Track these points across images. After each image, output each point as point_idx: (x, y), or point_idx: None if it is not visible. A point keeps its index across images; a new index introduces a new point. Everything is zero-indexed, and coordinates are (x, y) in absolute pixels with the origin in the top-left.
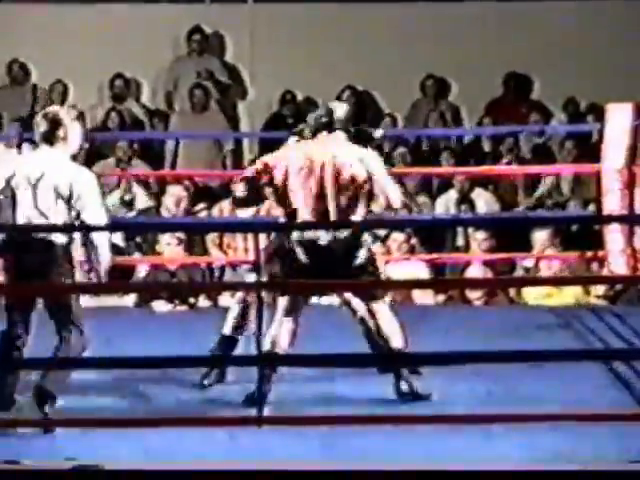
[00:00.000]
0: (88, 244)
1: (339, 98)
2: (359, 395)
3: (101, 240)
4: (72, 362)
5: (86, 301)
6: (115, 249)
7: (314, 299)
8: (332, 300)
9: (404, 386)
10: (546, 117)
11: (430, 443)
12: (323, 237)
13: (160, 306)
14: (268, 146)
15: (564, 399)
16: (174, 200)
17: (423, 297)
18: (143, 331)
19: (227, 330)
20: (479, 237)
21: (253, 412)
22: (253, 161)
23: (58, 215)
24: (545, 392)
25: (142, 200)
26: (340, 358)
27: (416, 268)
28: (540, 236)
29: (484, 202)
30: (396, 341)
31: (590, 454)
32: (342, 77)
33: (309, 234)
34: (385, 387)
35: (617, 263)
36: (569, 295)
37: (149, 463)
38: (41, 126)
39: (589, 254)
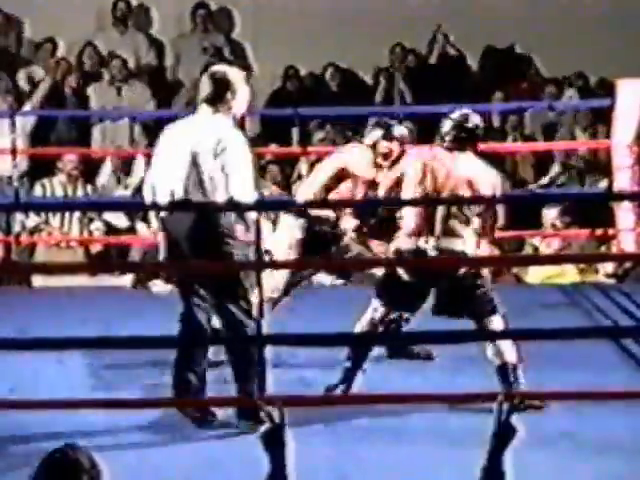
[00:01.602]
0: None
1: (322, 75)
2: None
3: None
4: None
5: (81, 281)
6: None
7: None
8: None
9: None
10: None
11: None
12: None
13: (158, 286)
14: (270, 123)
15: (573, 378)
16: None
17: None
18: (140, 312)
19: None
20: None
21: None
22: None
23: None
24: (553, 372)
25: None
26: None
27: None
28: (550, 214)
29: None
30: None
31: (599, 433)
32: (342, 53)
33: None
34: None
35: (627, 241)
36: (573, 274)
37: None
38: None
39: (599, 232)
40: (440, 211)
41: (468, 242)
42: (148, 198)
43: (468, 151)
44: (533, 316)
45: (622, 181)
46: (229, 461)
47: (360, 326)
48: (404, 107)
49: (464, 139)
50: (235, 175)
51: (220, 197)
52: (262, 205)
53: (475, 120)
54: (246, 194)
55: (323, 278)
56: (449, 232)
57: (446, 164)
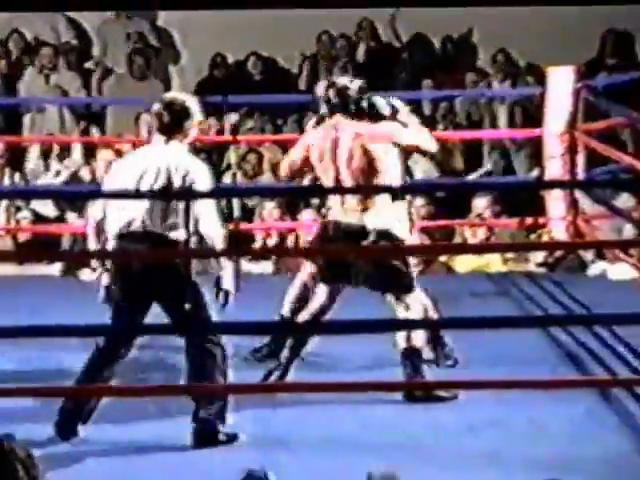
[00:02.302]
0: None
1: (244, 63)
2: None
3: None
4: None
5: (9, 269)
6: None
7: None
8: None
9: None
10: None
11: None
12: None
13: (87, 275)
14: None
15: (502, 368)
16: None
17: None
18: (69, 300)
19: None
20: (417, 204)
21: None
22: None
23: None
24: (482, 359)
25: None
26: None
27: None
28: (480, 203)
29: (421, 169)
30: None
31: (528, 421)
32: (269, 41)
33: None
34: None
35: (558, 229)
36: (501, 263)
37: None
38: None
39: (529, 220)
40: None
41: (391, 217)
42: (95, 218)
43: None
44: (463, 305)
45: (553, 170)
46: None
47: (306, 313)
48: None
49: (347, 107)
50: (205, 213)
51: (184, 230)
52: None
53: (349, 85)
54: (218, 233)
55: (252, 266)
56: (372, 208)
57: (336, 134)
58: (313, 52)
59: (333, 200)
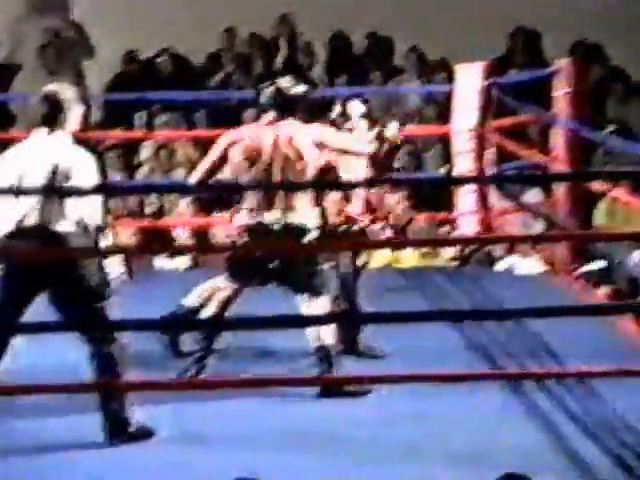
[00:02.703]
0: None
1: (155, 59)
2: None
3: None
4: None
5: None
6: None
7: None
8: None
9: None
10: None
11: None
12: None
13: None
14: (114, 107)
15: (414, 361)
16: None
17: None
18: None
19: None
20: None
21: None
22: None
23: None
24: (396, 354)
25: None
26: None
27: None
28: (391, 198)
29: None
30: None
31: (445, 414)
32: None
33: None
34: None
35: (468, 225)
36: (413, 258)
37: None
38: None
39: (439, 216)
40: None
41: (309, 217)
42: None
43: (290, 118)
44: (376, 300)
45: (462, 166)
46: None
47: (210, 310)
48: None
49: (284, 107)
50: (86, 200)
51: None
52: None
53: (294, 88)
54: (95, 220)
55: (165, 262)
56: (290, 207)
57: (268, 135)
58: (220, 48)
59: (254, 198)
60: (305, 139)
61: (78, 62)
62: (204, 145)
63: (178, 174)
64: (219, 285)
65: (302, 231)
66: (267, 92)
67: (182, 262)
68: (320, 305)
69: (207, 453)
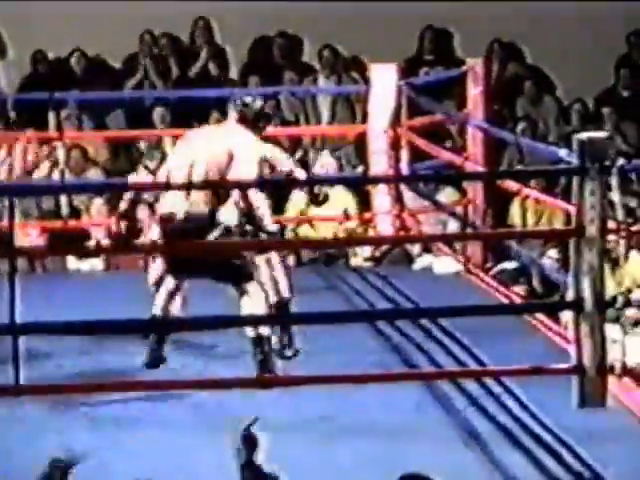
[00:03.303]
0: None
1: (67, 60)
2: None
3: None
4: None
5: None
6: None
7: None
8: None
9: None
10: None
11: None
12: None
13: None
14: (24, 107)
15: (330, 361)
16: None
17: None
18: None
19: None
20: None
21: None
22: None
23: None
24: (312, 354)
25: None
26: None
27: None
28: (298, 198)
29: None
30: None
31: (357, 415)
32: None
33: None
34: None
35: (384, 224)
36: None
37: None
38: None
39: (354, 215)
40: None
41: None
42: None
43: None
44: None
45: (378, 165)
46: None
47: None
48: (154, 92)
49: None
50: None
51: None
52: None
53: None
54: None
55: (80, 264)
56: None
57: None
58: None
59: (176, 194)
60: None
61: None
62: (116, 146)
63: (91, 174)
64: (169, 286)
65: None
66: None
67: (97, 263)
68: (252, 292)
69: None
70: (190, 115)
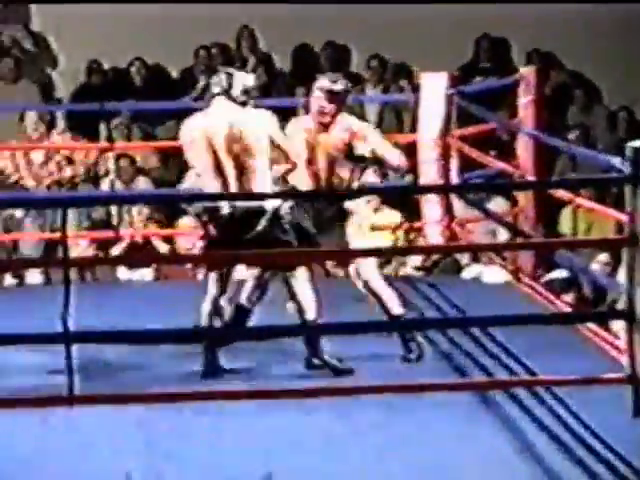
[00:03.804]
0: None
1: (123, 69)
2: (176, 372)
3: None
4: None
5: None
6: None
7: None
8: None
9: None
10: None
11: (251, 419)
12: (224, 207)
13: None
14: (77, 117)
15: (382, 370)
16: None
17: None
18: None
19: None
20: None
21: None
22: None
23: None
24: (362, 363)
25: None
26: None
27: None
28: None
29: None
30: (310, 313)
31: (414, 426)
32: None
33: (210, 205)
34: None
35: (433, 233)
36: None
37: None
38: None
39: (406, 225)
40: (232, 171)
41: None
42: None
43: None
44: (343, 309)
45: (428, 175)
46: None
47: (204, 309)
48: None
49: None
50: None
51: None
52: None
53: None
54: None
55: (131, 274)
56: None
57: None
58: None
59: (214, 187)
60: (259, 129)
61: (42, 72)
62: (166, 155)
63: (141, 183)
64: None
65: (260, 213)
66: (219, 79)
67: (146, 273)
68: (301, 276)
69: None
70: None
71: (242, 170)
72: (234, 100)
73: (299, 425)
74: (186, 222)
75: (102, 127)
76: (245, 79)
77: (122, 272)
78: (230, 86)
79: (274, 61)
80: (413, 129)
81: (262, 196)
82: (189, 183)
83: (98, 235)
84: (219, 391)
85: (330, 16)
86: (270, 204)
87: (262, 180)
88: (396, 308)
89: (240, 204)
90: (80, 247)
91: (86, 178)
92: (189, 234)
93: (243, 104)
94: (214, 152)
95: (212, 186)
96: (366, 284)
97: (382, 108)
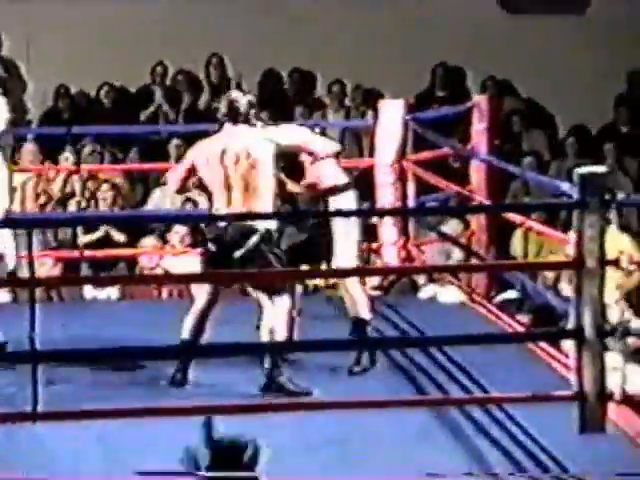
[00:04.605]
0: None
1: (91, 94)
2: (139, 388)
3: None
4: None
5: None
6: None
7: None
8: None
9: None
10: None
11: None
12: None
13: None
14: (45, 141)
15: (343, 388)
16: None
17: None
18: None
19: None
20: None
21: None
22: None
23: None
24: (321, 381)
25: None
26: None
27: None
28: None
29: None
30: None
31: (368, 441)
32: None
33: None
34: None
35: (390, 255)
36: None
37: None
38: None
39: (363, 246)
40: (239, 189)
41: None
42: None
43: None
44: (304, 326)
45: (384, 197)
46: None
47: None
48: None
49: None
50: None
51: None
52: None
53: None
54: None
55: (97, 293)
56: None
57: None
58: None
59: (219, 202)
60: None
61: (15, 96)
62: (134, 178)
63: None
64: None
65: (252, 232)
66: (221, 106)
67: (112, 292)
68: (283, 304)
69: None
70: None
71: (247, 189)
72: (240, 122)
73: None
74: (148, 242)
75: (68, 150)
76: (244, 97)
77: (88, 291)
78: (232, 109)
79: (242, 87)
80: (372, 154)
81: (237, 217)
82: (153, 204)
83: (64, 255)
84: (177, 407)
85: (297, 42)
86: (262, 224)
87: (265, 199)
88: (365, 313)
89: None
90: (46, 266)
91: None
92: (151, 253)
93: (246, 121)
94: (225, 171)
95: (221, 201)
96: (343, 285)
97: (343, 133)
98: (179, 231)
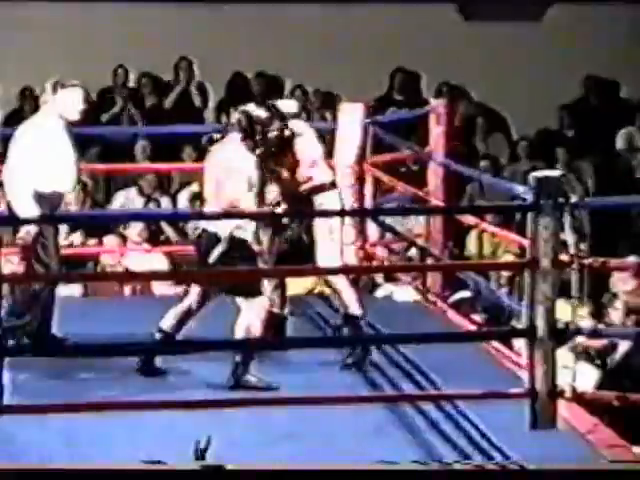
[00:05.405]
0: None
1: None
2: (104, 382)
3: None
4: None
5: None
6: None
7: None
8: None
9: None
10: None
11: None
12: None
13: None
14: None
15: (301, 384)
16: None
17: (161, 288)
18: None
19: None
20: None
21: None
22: None
23: None
24: (280, 377)
25: None
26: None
27: (156, 259)
28: None
29: None
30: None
31: (324, 436)
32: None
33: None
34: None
35: (349, 254)
36: (300, 285)
37: None
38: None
39: None
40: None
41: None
42: None
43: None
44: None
45: (344, 199)
46: None
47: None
48: (135, 128)
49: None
50: None
51: None
52: None
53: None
54: None
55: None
56: None
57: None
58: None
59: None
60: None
61: None
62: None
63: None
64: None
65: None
66: (236, 117)
67: (75, 289)
68: (259, 304)
69: None
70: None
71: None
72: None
73: (215, 435)
74: (111, 240)
75: None
76: (289, 106)
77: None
78: (241, 123)
79: (208, 90)
80: (332, 156)
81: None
82: (118, 203)
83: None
84: (140, 401)
85: (263, 46)
86: (225, 231)
87: (241, 208)
88: (355, 309)
89: (212, 229)
90: (12, 264)
91: None
92: (113, 251)
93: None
94: (215, 177)
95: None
96: (331, 282)
97: None
98: (136, 226)
